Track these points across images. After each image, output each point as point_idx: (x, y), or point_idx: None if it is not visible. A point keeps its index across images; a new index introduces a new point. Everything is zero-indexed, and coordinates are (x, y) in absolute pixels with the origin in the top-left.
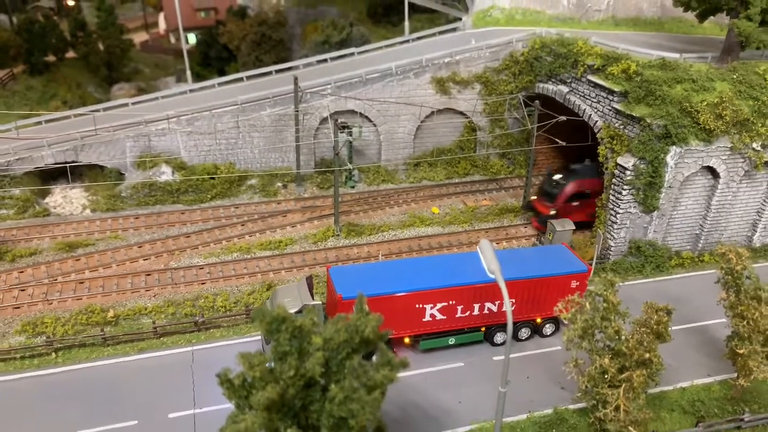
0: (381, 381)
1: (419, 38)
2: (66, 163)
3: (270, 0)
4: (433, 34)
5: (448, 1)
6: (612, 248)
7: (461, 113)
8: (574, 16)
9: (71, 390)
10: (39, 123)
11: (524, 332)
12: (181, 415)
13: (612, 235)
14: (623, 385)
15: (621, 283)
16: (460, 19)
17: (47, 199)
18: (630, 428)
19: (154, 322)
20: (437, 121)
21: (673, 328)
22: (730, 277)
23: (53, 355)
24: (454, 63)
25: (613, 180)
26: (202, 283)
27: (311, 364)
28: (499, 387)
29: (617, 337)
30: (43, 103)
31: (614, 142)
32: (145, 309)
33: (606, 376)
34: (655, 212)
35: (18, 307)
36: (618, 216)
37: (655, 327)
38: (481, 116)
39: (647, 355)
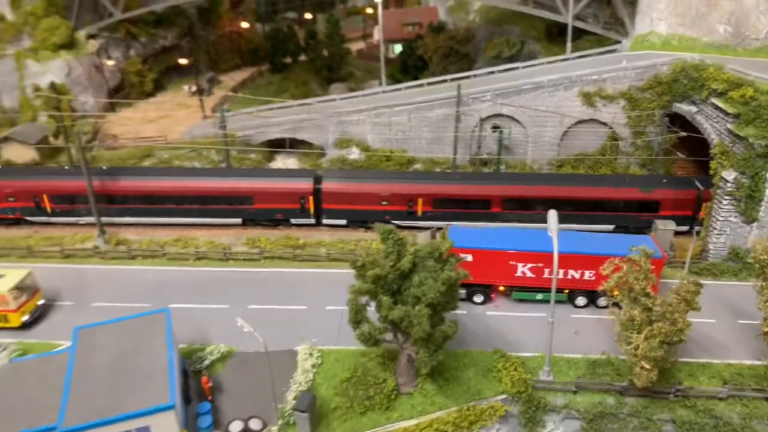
0: (445, 277)
1: (579, 57)
2: (286, 138)
3: (465, 17)
4: (591, 54)
5: (611, 25)
6: (711, 251)
7: (604, 124)
8: (729, 44)
9: (269, 283)
10: (271, 109)
11: (602, 300)
12: (334, 308)
13: (711, 240)
14: (645, 331)
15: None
16: (620, 42)
17: (272, 163)
18: (642, 363)
19: (327, 251)
20: (581, 129)
21: (745, 322)
22: (758, 266)
23: (261, 260)
24: (601, 80)
25: (717, 191)
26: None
27: (404, 262)
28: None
29: (645, 294)
30: (279, 95)
31: (723, 157)
32: (324, 242)
33: (634, 323)
34: (755, 223)
35: (245, 229)
36: (718, 223)
37: (684, 295)
38: (623, 128)
39: (675, 315)
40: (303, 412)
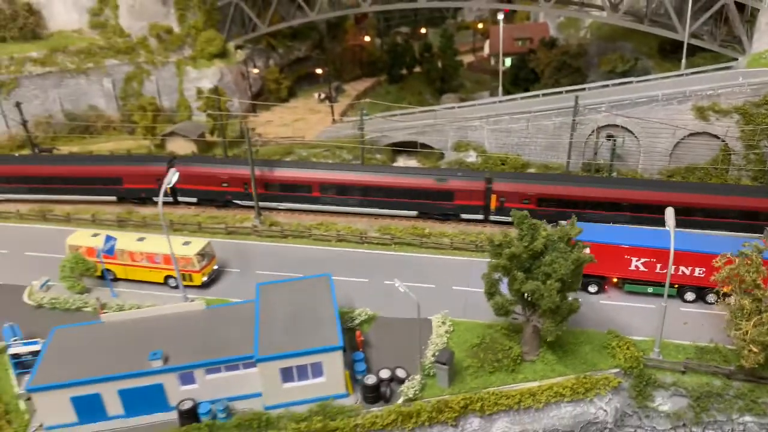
0: (575, 257)
1: (694, 73)
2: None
3: (576, 33)
4: (706, 71)
5: (728, 43)
6: None
7: (716, 137)
8: None
9: (400, 264)
10: (394, 115)
11: (710, 297)
12: (459, 288)
13: None
14: (754, 319)
15: None
16: (737, 59)
17: (394, 164)
18: (751, 346)
19: (451, 240)
20: (693, 142)
21: None
22: None
23: (392, 245)
24: (716, 95)
25: None
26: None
27: (537, 243)
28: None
29: (755, 285)
30: (396, 103)
31: None
32: (447, 233)
33: (744, 312)
34: None
35: (377, 218)
36: None
37: None
38: (736, 141)
39: None
40: (444, 364)
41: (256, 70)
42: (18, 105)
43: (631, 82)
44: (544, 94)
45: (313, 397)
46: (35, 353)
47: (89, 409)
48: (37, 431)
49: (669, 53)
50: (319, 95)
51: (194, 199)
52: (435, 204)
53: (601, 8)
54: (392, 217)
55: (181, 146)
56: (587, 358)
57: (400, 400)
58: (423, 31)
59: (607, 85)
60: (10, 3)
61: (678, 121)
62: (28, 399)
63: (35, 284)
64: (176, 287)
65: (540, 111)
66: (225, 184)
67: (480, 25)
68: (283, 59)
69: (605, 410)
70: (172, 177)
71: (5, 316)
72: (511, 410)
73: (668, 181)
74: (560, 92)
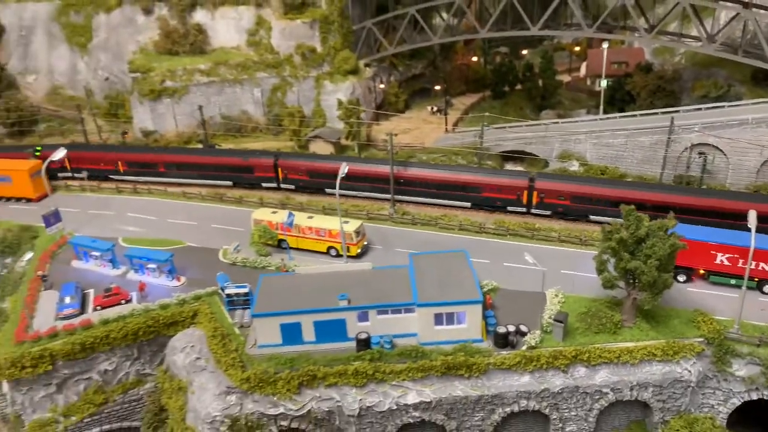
0: (671, 242)
1: None
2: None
3: (671, 59)
4: None
5: None
6: None
7: None
8: None
9: (514, 251)
10: (505, 127)
11: None
12: (567, 272)
13: None
14: None
15: None
16: None
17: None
18: None
19: (558, 234)
20: None
21: None
22: None
23: (507, 235)
24: None
25: None
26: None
27: (641, 231)
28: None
29: None
30: (494, 119)
31: None
32: (554, 228)
33: None
34: None
35: (492, 212)
36: None
37: None
38: None
39: None
40: (560, 322)
41: (382, 85)
42: (200, 108)
43: (723, 106)
44: (641, 114)
45: (456, 339)
46: (244, 294)
47: (291, 334)
48: (252, 348)
49: (761, 80)
50: (432, 108)
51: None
52: (487, 197)
53: (697, 39)
54: (502, 211)
55: (321, 147)
56: (676, 328)
57: (524, 347)
58: (524, 52)
59: (701, 108)
60: (183, 24)
61: (766, 142)
62: (241, 327)
63: (228, 248)
64: (336, 256)
65: (638, 129)
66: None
67: (577, 48)
68: (402, 76)
69: (689, 371)
70: (344, 169)
71: (212, 269)
72: (611, 363)
73: (674, 185)
74: (656, 113)
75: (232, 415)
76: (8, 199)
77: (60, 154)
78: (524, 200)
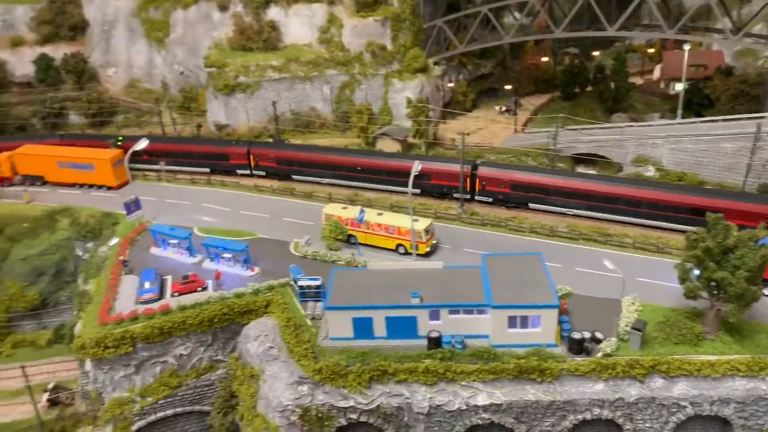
0: (763, 253)
1: None
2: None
3: (754, 62)
4: None
5: None
6: None
7: None
8: None
9: (588, 256)
10: (578, 129)
11: None
12: (644, 280)
13: None
14: None
15: None
16: None
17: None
18: None
19: (633, 241)
20: None
21: None
22: None
23: (579, 240)
24: None
25: None
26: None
27: (729, 240)
28: None
29: None
30: (568, 120)
31: None
32: (629, 234)
33: None
34: None
35: (563, 216)
36: None
37: None
38: None
39: None
40: (638, 330)
41: (451, 84)
42: (273, 104)
43: None
44: (723, 119)
45: (529, 343)
46: (316, 287)
47: (363, 328)
48: (324, 340)
49: None
50: (500, 107)
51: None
52: (434, 184)
53: None
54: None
55: (387, 145)
56: (763, 343)
57: (599, 354)
58: (596, 53)
59: None
60: (258, 20)
61: None
62: (312, 318)
63: (299, 241)
64: (404, 253)
65: (721, 135)
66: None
67: (650, 50)
68: (470, 75)
69: None
70: (417, 167)
71: (283, 261)
72: (691, 376)
73: (612, 176)
74: (741, 119)
75: (304, 405)
76: (90, 186)
77: (142, 144)
78: (467, 187)
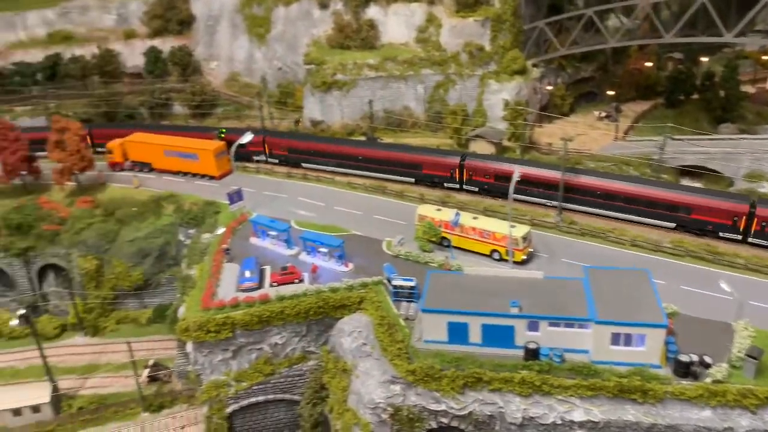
0: None
1: None
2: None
3: None
4: None
5: None
6: None
7: None
8: None
9: (692, 274)
10: (681, 139)
11: None
12: (757, 304)
13: None
14: None
15: None
16: None
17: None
18: None
19: (745, 262)
20: None
21: None
22: None
23: (684, 256)
24: None
25: None
26: None
27: None
28: None
29: None
30: (673, 130)
31: None
32: (740, 254)
33: None
34: None
35: (669, 231)
36: None
37: None
38: None
39: None
40: (754, 358)
41: (549, 87)
42: (370, 102)
43: None
44: None
45: (632, 362)
46: (410, 287)
47: (458, 334)
48: (417, 341)
49: None
50: (600, 113)
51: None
52: (427, 174)
53: None
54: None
55: (481, 147)
56: None
57: (708, 380)
58: (704, 59)
59: None
60: (357, 19)
61: None
62: (406, 319)
63: (391, 240)
64: (498, 260)
65: None
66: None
67: (765, 57)
68: (570, 78)
69: None
70: (517, 174)
71: (376, 259)
72: None
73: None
74: None
75: (395, 404)
76: (194, 174)
77: (247, 138)
78: (457, 177)
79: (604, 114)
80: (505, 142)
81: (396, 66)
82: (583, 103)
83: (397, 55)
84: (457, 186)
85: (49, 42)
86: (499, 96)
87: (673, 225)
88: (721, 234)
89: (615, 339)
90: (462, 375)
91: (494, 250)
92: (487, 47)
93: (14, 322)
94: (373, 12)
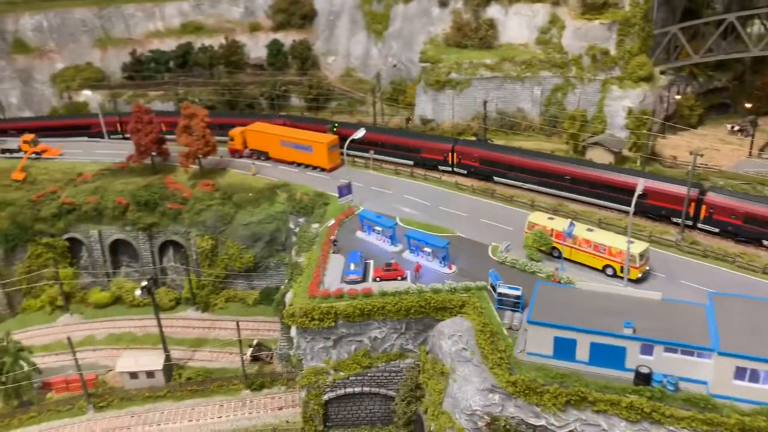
0: None
1: None
2: None
3: None
4: None
5: None
6: None
7: None
8: None
9: None
10: None
11: None
12: None
13: None
14: None
15: None
16: None
17: None
18: None
19: None
20: None
21: None
22: None
23: None
24: None
25: None
26: None
27: None
28: None
29: None
30: None
31: None
32: None
33: None
34: None
35: None
36: None
37: None
38: None
39: None
40: None
41: (677, 96)
42: (485, 103)
43: None
44: None
45: (758, 400)
46: (515, 297)
47: (564, 349)
48: (520, 353)
49: None
50: (733, 126)
51: None
52: (424, 157)
53: None
54: None
55: (599, 155)
56: None
57: None
58: None
59: None
60: (476, 18)
61: None
62: (509, 328)
63: (498, 245)
64: (612, 276)
65: None
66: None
67: None
68: (701, 87)
69: None
70: (641, 186)
71: (479, 264)
72: None
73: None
74: None
75: (493, 413)
76: (306, 166)
77: (360, 133)
78: (449, 160)
79: (737, 127)
80: (625, 152)
81: (513, 67)
82: (714, 115)
83: (515, 55)
84: (450, 169)
85: (181, 32)
86: (622, 103)
87: None
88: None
89: (739, 373)
90: (566, 392)
91: (608, 265)
92: (612, 51)
93: (138, 292)
94: (493, 11)
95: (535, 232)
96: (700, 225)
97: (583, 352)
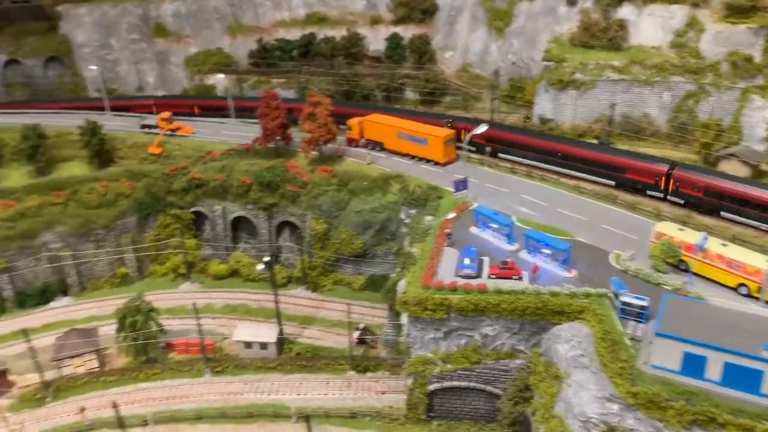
0: None
1: None
2: None
3: None
4: None
5: None
6: None
7: None
8: None
9: None
10: None
11: None
12: None
13: None
14: None
15: None
16: None
17: None
18: None
19: None
20: None
21: None
22: None
23: None
24: None
25: None
26: None
27: None
28: None
29: None
30: None
31: None
32: None
33: None
34: None
35: None
36: None
37: None
38: None
39: None
40: None
41: None
42: (612, 106)
43: None
44: None
45: None
46: (639, 307)
47: (693, 366)
48: (643, 365)
49: None
50: None
51: None
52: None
53: None
54: None
55: (733, 168)
56: None
57: None
58: None
59: None
60: (606, 18)
61: None
62: (632, 339)
63: (621, 253)
64: (746, 295)
65: None
66: None
67: None
68: None
69: None
70: None
71: (600, 270)
72: None
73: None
74: None
75: (610, 423)
76: (420, 159)
77: (481, 129)
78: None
79: None
80: (763, 166)
81: (643, 70)
82: None
83: (645, 58)
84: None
85: (306, 22)
86: (763, 114)
87: None
88: None
89: None
90: (693, 410)
91: (742, 284)
92: (757, 58)
93: (260, 266)
94: (625, 12)
95: (663, 242)
96: None
97: (714, 370)
